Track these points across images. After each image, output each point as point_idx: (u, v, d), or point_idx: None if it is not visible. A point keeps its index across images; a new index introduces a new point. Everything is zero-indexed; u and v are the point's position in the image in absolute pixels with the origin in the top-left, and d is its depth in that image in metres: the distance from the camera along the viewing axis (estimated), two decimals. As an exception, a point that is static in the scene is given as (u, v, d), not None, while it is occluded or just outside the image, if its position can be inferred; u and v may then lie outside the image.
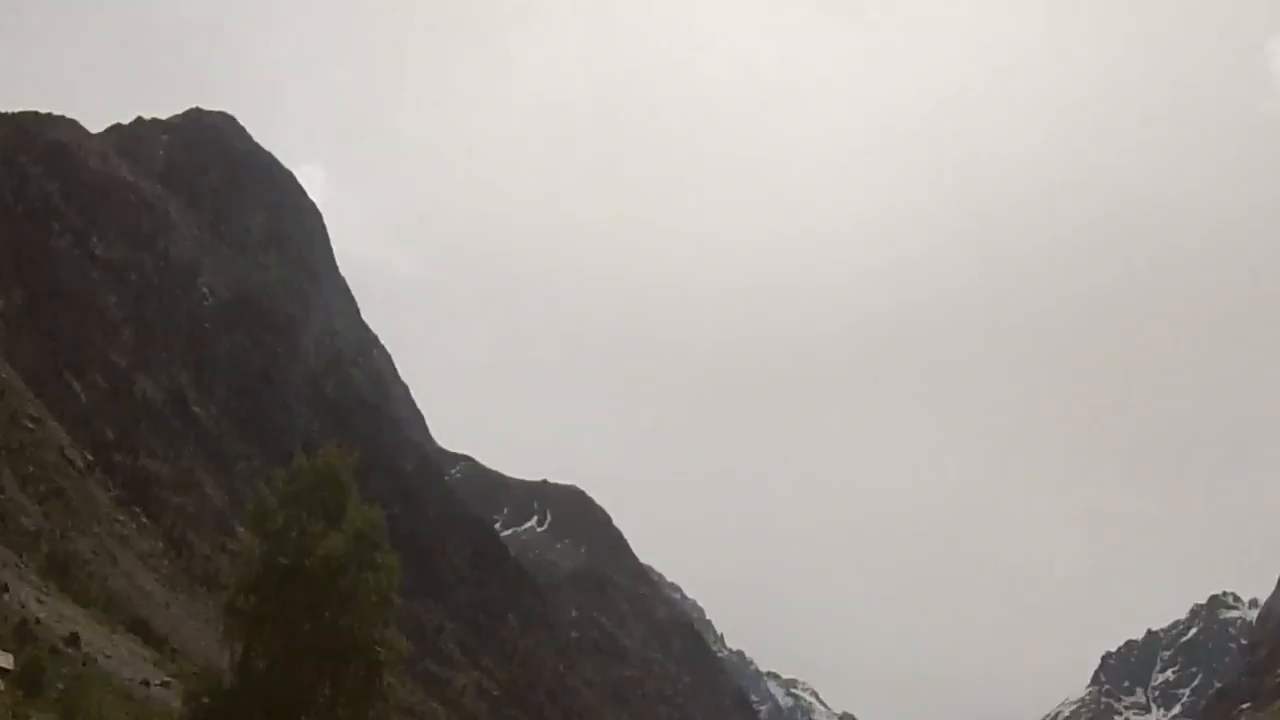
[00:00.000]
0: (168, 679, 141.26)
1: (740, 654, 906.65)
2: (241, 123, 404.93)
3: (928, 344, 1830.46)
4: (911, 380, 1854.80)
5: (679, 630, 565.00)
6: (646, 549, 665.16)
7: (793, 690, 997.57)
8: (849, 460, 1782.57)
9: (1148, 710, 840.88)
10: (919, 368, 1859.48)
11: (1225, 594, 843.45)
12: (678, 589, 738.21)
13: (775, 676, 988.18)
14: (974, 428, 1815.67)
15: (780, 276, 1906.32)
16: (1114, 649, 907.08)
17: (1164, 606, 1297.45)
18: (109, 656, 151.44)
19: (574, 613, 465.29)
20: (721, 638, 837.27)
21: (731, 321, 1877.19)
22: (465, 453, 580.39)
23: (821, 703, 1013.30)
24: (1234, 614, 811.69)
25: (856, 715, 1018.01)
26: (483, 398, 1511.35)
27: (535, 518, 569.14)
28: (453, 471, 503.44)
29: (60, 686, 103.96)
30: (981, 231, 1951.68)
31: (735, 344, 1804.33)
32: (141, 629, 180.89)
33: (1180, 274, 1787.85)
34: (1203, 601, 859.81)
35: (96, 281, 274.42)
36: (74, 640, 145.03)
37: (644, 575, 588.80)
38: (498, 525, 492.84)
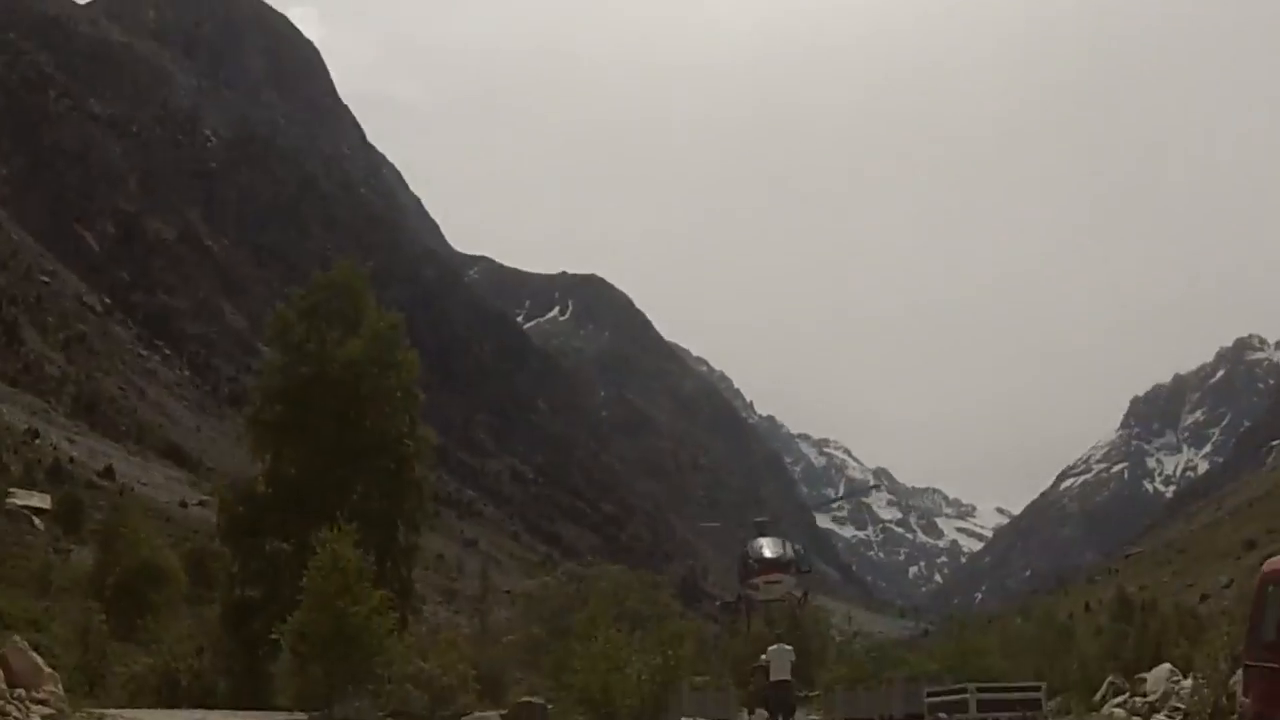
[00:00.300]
0: (205, 498, 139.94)
1: (771, 419, 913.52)
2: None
3: (947, 107, 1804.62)
4: (935, 145, 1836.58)
5: (708, 401, 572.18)
6: (670, 327, 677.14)
7: (825, 450, 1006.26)
8: (872, 227, 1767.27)
9: (1178, 450, 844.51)
10: (941, 132, 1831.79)
11: (1251, 336, 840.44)
12: (704, 362, 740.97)
13: (806, 438, 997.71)
14: (999, 188, 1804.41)
15: (791, 52, 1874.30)
16: (1142, 393, 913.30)
17: (1191, 352, 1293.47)
18: (144, 484, 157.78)
19: (602, 394, 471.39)
20: (751, 404, 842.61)
21: (740, 100, 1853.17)
22: (482, 254, 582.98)
23: (854, 459, 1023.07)
24: (1260, 355, 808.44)
25: (889, 469, 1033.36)
26: (495, 201, 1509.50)
27: (556, 308, 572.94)
28: (471, 273, 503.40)
29: (98, 518, 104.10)
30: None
31: (744, 121, 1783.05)
32: (174, 454, 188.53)
33: (1206, 22, 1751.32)
34: (1229, 345, 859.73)
35: (98, 138, 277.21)
36: (108, 473, 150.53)
37: (669, 352, 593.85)
38: (520, 319, 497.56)
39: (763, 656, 47.66)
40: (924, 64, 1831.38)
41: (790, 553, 60.33)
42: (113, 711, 33.43)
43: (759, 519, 77.03)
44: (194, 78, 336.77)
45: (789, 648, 48.76)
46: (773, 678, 43.87)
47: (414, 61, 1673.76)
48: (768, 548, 59.42)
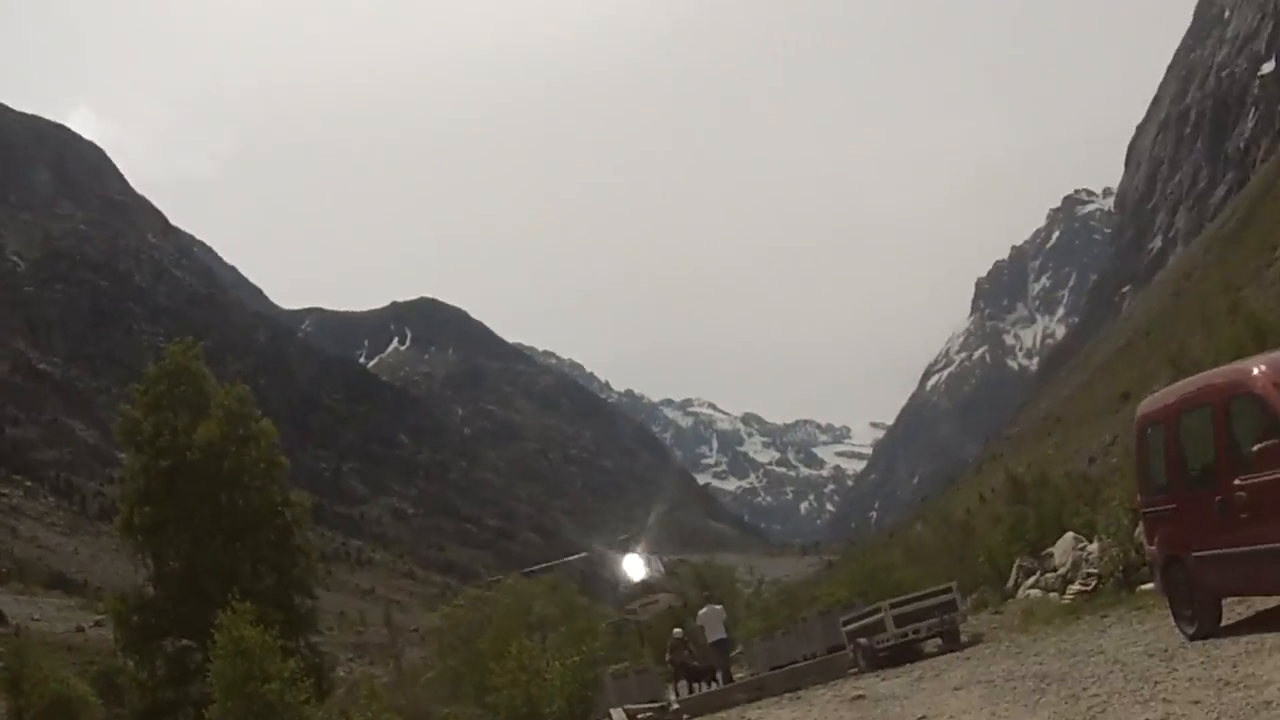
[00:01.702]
0: (99, 618, 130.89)
1: (630, 392, 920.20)
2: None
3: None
4: (745, 43, 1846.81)
5: (565, 392, 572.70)
6: (511, 329, 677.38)
7: (689, 410, 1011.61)
8: (683, 156, 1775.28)
9: (1032, 321, 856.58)
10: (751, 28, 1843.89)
11: (1078, 191, 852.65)
12: (552, 354, 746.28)
13: (670, 403, 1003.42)
14: (806, 88, 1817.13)
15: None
16: (984, 273, 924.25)
17: (1022, 222, 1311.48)
18: (38, 619, 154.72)
19: (460, 412, 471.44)
20: (607, 384, 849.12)
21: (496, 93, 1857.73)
22: (311, 305, 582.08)
23: (721, 411, 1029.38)
24: (1091, 207, 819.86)
25: (757, 413, 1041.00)
26: (311, 251, 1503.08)
27: (395, 339, 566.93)
28: (304, 326, 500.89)
29: (1, 665, 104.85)
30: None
31: (507, 106, 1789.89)
32: (60, 583, 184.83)
33: None
34: (1057, 205, 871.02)
35: None
36: (0, 618, 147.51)
37: (516, 353, 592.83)
38: (362, 359, 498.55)
39: (696, 618, 48.49)
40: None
41: (659, 567, 61.25)
42: None
43: (622, 537, 77.96)
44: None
45: (719, 606, 49.54)
46: (710, 638, 44.64)
47: (198, 133, 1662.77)
48: (636, 569, 60.23)
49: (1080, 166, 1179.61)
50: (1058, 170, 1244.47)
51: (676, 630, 48.45)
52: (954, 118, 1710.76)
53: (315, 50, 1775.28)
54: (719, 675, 44.16)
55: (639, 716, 33.53)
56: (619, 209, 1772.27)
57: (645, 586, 57.47)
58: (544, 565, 77.47)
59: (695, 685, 44.68)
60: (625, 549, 72.66)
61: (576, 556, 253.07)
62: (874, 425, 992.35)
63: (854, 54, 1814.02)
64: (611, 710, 36.21)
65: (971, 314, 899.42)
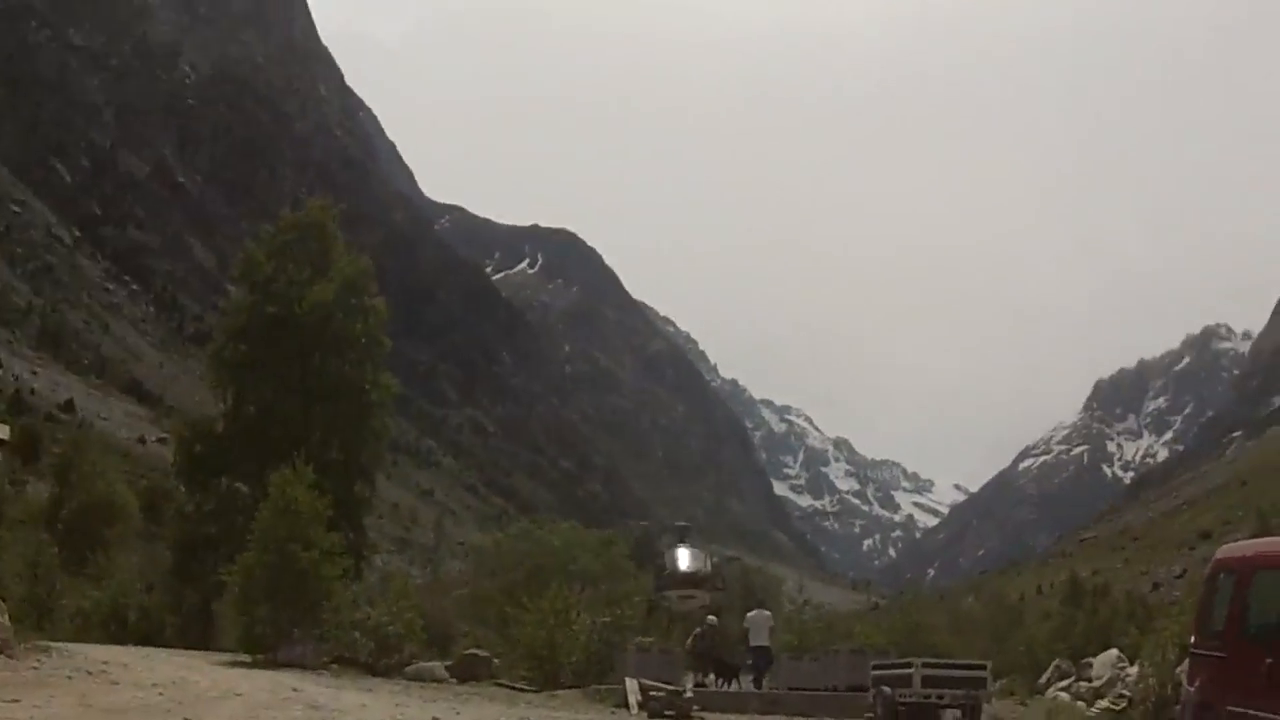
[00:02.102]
0: (163, 435, 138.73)
1: (734, 382, 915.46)
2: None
3: (928, 73, 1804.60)
4: (909, 110, 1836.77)
5: (673, 361, 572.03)
6: (639, 285, 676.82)
7: (786, 416, 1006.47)
8: (841, 192, 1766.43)
9: (1139, 436, 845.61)
10: (920, 97, 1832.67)
11: (1218, 325, 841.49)
12: (671, 322, 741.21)
13: (769, 403, 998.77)
14: (972, 157, 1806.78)
15: (778, 22, 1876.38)
16: (1107, 376, 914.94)
17: (1157, 338, 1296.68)
18: (104, 419, 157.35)
19: (567, 349, 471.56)
20: (715, 368, 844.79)
21: (715, 64, 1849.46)
22: (455, 203, 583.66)
23: (815, 427, 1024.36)
24: (1226, 345, 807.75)
25: (850, 439, 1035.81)
26: (471, 150, 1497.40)
27: (526, 260, 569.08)
28: (442, 221, 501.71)
29: (56, 451, 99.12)
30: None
31: (725, 84, 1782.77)
32: (136, 390, 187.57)
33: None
34: (1196, 333, 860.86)
35: (75, 69, 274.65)
36: (69, 406, 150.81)
37: (637, 310, 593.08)
38: (489, 270, 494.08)
39: (744, 620, 48.19)
40: (907, 34, 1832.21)
41: (708, 567, 60.33)
42: (59, 644, 33.54)
43: (680, 523, 77.15)
44: (174, 12, 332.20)
45: (768, 613, 49.30)
46: (752, 642, 44.33)
47: (397, 3, 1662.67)
48: (685, 561, 59.38)
49: (1231, 300, 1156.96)
50: (1207, 296, 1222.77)
51: (711, 618, 48.10)
52: (1117, 214, 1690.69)
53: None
54: (751, 679, 43.88)
55: (652, 693, 33.21)
56: (778, 209, 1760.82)
57: (687, 579, 56.58)
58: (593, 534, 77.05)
59: (721, 680, 44.41)
60: (681, 535, 71.55)
61: (639, 523, 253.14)
62: (957, 487, 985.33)
63: (1049, 132, 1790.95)
64: (628, 679, 35.93)
65: (1082, 411, 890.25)
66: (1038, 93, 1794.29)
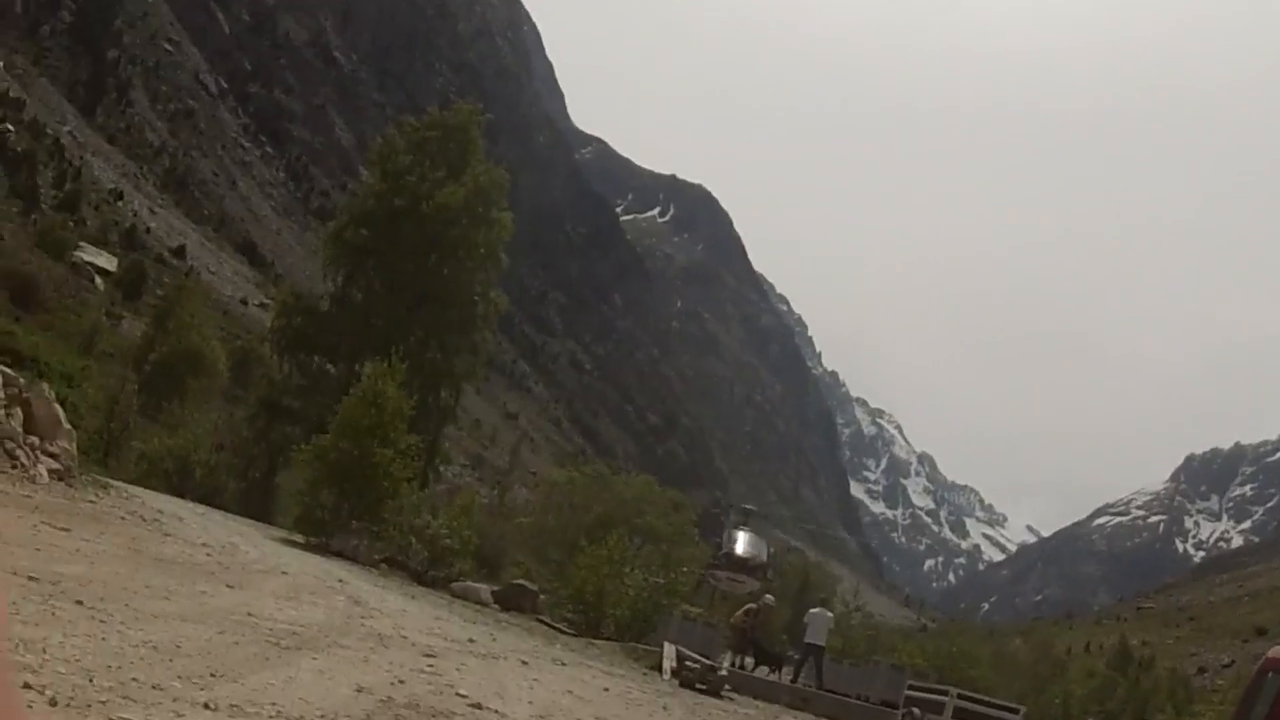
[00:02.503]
0: (267, 300, 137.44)
1: (834, 374, 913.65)
2: None
3: (1051, 105, 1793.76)
4: (1038, 144, 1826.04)
5: (779, 339, 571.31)
6: (763, 258, 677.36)
7: (878, 420, 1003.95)
8: (968, 222, 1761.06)
9: (1218, 519, 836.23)
10: (1046, 131, 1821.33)
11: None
12: (785, 300, 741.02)
13: (864, 403, 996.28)
14: (1097, 206, 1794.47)
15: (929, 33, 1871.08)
16: (1199, 452, 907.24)
17: (1257, 425, 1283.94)
18: (213, 272, 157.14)
19: (679, 304, 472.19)
20: (819, 356, 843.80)
21: (877, 67, 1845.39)
22: (600, 136, 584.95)
23: (904, 437, 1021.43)
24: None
25: (934, 456, 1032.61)
26: (626, 91, 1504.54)
27: (658, 208, 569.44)
28: (584, 151, 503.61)
29: (159, 293, 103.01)
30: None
31: (870, 86, 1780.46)
32: (249, 251, 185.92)
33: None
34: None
35: None
36: (180, 252, 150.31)
37: (755, 281, 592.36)
38: (620, 209, 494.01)
39: (804, 617, 47.79)
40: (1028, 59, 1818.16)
41: (763, 556, 59.86)
42: (120, 484, 33.44)
43: (746, 505, 76.65)
44: None
45: (830, 614, 48.86)
46: (808, 640, 43.88)
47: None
48: (742, 545, 58.89)
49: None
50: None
51: (768, 598, 47.73)
52: (1240, 288, 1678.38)
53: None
54: (791, 672, 43.38)
55: (688, 663, 32.87)
56: (916, 213, 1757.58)
57: (740, 563, 56.22)
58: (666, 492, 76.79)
59: (758, 666, 43.99)
60: (744, 518, 70.86)
61: (713, 493, 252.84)
62: (1029, 528, 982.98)
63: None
64: (666, 643, 35.64)
65: (1168, 481, 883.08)
66: (1178, 141, 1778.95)
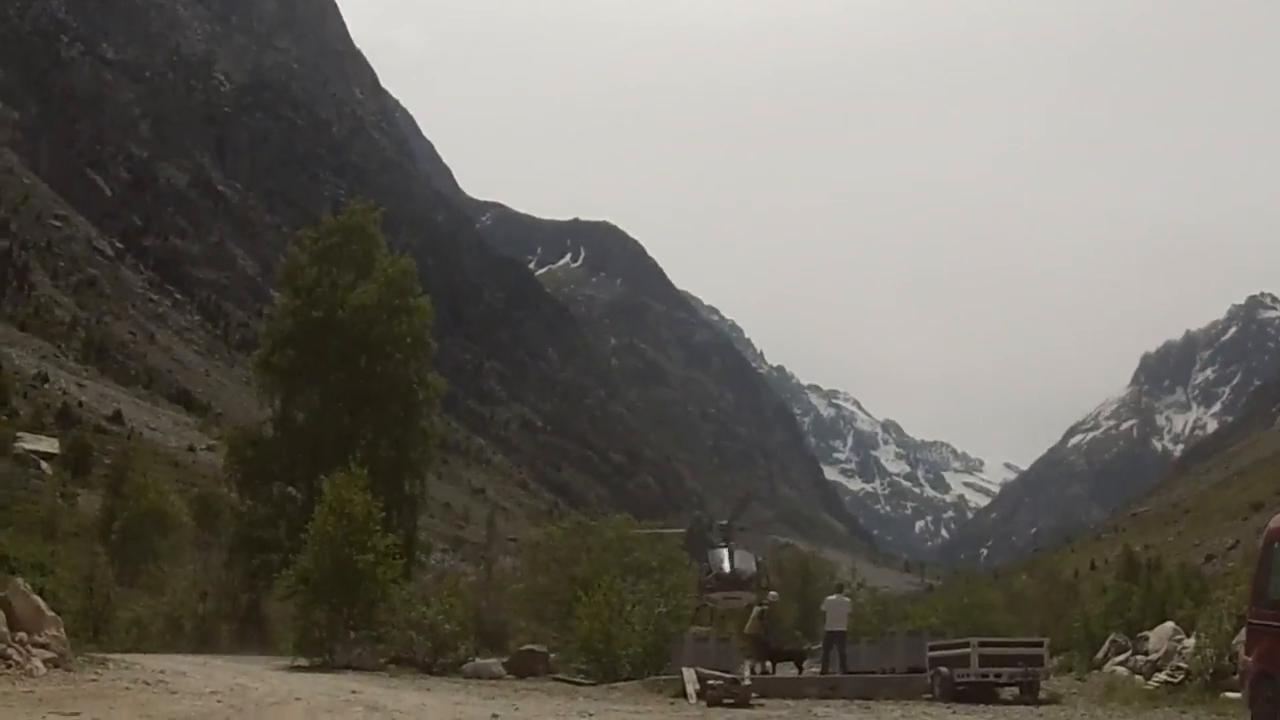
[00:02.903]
0: (213, 443, 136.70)
1: (781, 369, 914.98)
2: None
3: (941, 38, 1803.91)
4: (927, 81, 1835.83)
5: (719, 351, 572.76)
6: (683, 276, 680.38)
7: (834, 401, 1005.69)
8: (884, 178, 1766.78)
9: (1188, 409, 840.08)
10: (937, 69, 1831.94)
11: (1264, 295, 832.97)
12: (715, 311, 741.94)
13: (816, 389, 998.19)
14: (997, 125, 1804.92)
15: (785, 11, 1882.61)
16: (1153, 350, 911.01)
17: (1202, 308, 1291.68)
18: (153, 429, 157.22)
19: (613, 342, 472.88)
20: (761, 355, 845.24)
21: (753, 52, 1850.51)
22: (494, 200, 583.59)
23: (864, 411, 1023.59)
24: (1272, 314, 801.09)
25: (898, 422, 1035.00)
26: (507, 149, 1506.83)
27: (569, 255, 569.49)
28: (483, 219, 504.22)
29: (107, 463, 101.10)
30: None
31: (756, 72, 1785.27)
32: (184, 399, 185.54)
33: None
34: (1241, 302, 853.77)
35: (110, 83, 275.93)
36: (117, 418, 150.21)
37: (681, 301, 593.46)
38: (532, 265, 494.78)
39: (822, 605, 48.15)
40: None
41: (752, 566, 60.32)
42: (115, 655, 33.57)
43: (722, 522, 77.23)
44: (206, 23, 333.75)
45: (847, 599, 49.20)
46: (829, 627, 44.13)
47: (425, 5, 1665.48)
48: (729, 562, 59.33)
49: (1276, 269, 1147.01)
50: (1253, 265, 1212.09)
51: (773, 594, 48.15)
52: (1156, 179, 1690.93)
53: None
54: (834, 666, 43.62)
55: (710, 681, 33.06)
56: (815, 192, 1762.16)
57: (732, 580, 56.55)
58: (650, 531, 76.79)
59: (775, 668, 44.25)
60: (724, 535, 71.49)
61: (677, 531, 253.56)
62: (1007, 465, 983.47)
63: (1086, 97, 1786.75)
64: (684, 669, 35.86)
65: (1130, 385, 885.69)
66: (1077, 50, 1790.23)
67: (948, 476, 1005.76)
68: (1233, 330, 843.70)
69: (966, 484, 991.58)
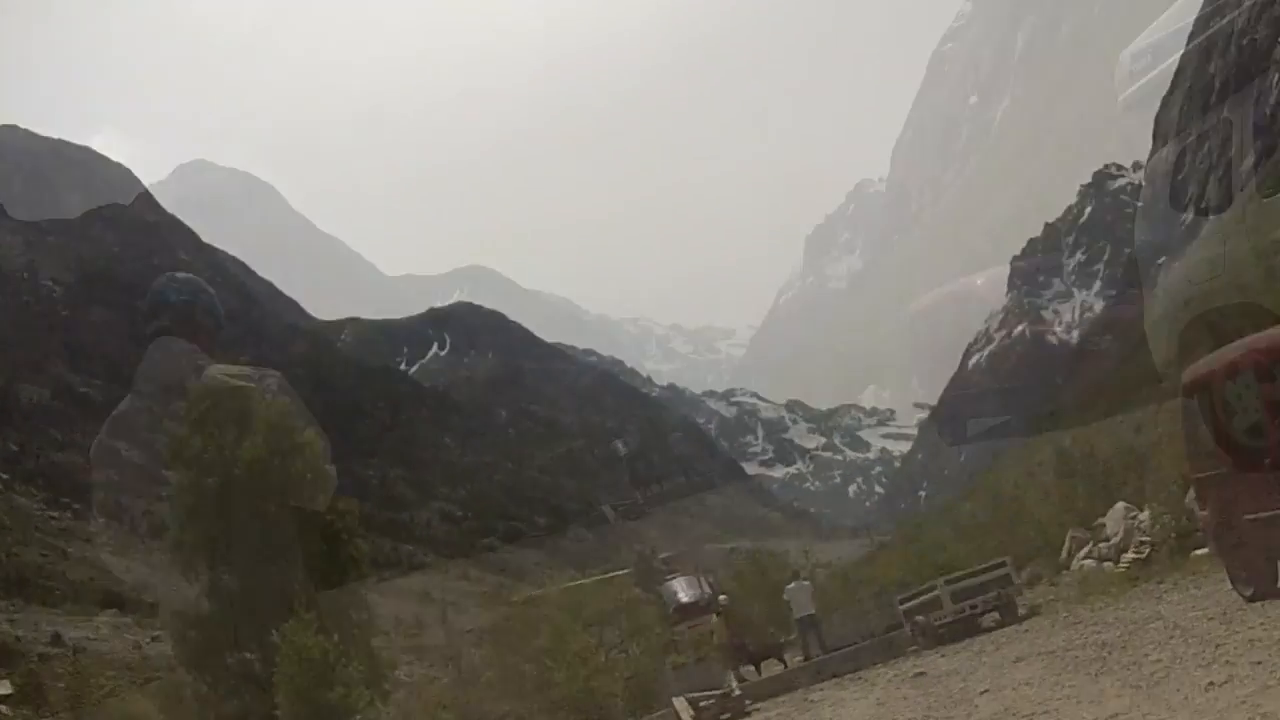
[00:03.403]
0: (156, 634, 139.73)
1: (672, 386, 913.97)
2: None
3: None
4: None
5: (607, 389, 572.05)
6: (549, 331, 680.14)
7: (733, 400, 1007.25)
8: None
9: (1070, 296, 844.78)
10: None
11: (1107, 166, 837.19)
12: (593, 352, 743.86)
13: (712, 394, 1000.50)
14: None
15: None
16: (1019, 251, 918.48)
17: (1054, 201, 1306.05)
18: (94, 639, 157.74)
19: (504, 414, 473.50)
20: (649, 379, 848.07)
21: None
22: (349, 315, 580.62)
23: (764, 400, 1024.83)
24: (1122, 181, 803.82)
25: (802, 399, 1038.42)
26: (343, 261, 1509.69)
27: (435, 344, 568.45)
28: (342, 337, 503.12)
29: (61, 687, 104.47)
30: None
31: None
32: (114, 602, 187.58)
33: None
34: (1087, 181, 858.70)
35: None
36: (57, 640, 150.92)
37: (555, 353, 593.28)
38: (403, 366, 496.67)
39: (784, 593, 48.85)
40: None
41: (705, 588, 61.21)
42: None
43: (665, 555, 77.58)
44: (14, 234, 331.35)
45: (807, 582, 49.98)
46: (797, 615, 44.90)
47: (228, 142, 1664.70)
48: (683, 592, 60.17)
49: (1113, 143, 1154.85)
50: (1085, 146, 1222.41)
51: (723, 597, 48.84)
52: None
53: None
54: (815, 649, 44.40)
55: (702, 704, 33.75)
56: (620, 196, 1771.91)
57: (691, 609, 57.48)
58: (597, 579, 77.51)
59: (757, 669, 44.94)
60: (669, 568, 72.22)
61: (622, 572, 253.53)
62: (917, 406, 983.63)
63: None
64: (674, 699, 36.48)
65: (1009, 291, 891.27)
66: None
67: (864, 435, 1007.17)
68: (1089, 209, 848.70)
69: (884, 436, 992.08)
